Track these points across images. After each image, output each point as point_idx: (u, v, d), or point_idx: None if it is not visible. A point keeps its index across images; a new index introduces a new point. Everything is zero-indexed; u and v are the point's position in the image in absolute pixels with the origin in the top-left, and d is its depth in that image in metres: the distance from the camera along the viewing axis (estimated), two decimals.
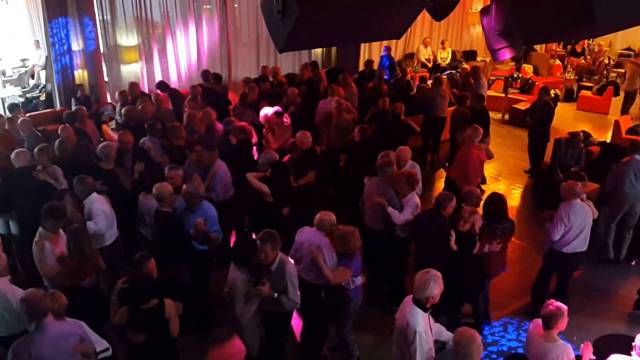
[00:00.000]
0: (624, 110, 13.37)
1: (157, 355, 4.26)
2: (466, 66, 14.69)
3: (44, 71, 11.63)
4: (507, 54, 4.23)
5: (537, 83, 13.82)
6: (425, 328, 3.93)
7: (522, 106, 12.82)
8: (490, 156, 7.48)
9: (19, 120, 7.59)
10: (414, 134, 8.84)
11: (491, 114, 13.44)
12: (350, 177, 7.14)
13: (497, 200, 5.55)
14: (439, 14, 4.05)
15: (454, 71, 14.93)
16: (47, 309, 3.78)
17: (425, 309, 3.97)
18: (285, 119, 8.16)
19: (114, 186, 6.10)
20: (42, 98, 11.11)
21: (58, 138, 6.85)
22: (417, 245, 5.72)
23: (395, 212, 5.72)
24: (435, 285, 3.90)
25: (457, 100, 9.77)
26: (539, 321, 4.13)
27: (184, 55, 11.70)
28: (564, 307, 4.03)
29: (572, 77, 15.88)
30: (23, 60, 12.87)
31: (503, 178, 10.01)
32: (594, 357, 4.14)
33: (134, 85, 9.43)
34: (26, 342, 3.74)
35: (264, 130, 8.23)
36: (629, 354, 4.13)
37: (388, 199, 5.80)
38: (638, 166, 6.77)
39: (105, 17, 10.50)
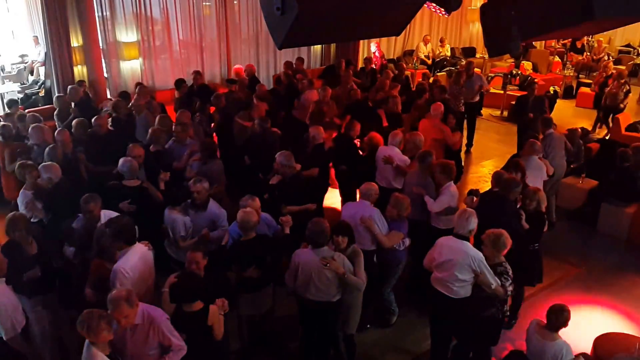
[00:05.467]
0: None
1: (199, 357, 4.06)
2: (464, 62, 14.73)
3: (43, 67, 11.62)
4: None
5: (536, 80, 13.83)
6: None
7: None
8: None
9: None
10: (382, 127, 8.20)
11: (490, 111, 13.61)
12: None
13: None
14: (451, 6, 3.97)
15: (452, 67, 14.95)
16: None
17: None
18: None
19: (143, 203, 5.70)
20: (42, 94, 11.09)
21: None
22: (482, 227, 5.30)
23: (430, 200, 5.76)
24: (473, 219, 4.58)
25: (415, 92, 9.40)
26: (539, 320, 4.13)
27: (183, 51, 11.67)
28: (568, 307, 4.03)
29: (572, 74, 15.88)
30: (22, 56, 12.86)
31: None
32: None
33: (74, 91, 8.77)
34: None
35: None
36: (631, 352, 4.13)
37: (427, 189, 5.85)
38: (551, 139, 7.61)
39: (104, 14, 10.49)
